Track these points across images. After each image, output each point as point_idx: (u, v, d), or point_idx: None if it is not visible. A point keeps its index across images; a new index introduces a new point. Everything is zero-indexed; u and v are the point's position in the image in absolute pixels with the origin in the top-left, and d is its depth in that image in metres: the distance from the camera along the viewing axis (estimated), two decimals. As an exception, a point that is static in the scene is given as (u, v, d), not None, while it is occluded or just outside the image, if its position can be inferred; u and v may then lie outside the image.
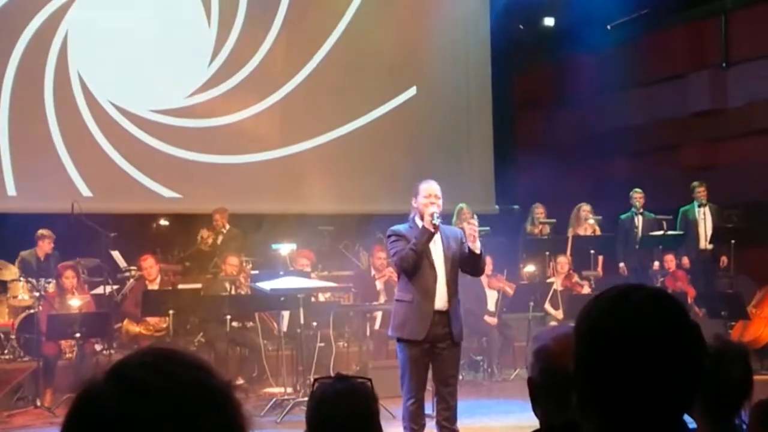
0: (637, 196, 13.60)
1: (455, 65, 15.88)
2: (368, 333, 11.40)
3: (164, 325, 10.87)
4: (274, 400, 9.72)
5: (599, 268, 13.27)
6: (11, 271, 11.51)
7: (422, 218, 6.70)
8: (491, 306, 12.15)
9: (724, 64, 15.36)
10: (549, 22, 17.21)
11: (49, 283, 11.16)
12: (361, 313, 11.40)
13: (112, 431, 1.18)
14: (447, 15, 15.70)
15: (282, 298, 9.97)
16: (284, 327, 10.78)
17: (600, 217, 13.60)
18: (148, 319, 11.01)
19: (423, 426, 6.71)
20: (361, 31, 15.14)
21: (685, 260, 13.35)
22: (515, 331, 12.02)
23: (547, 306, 12.19)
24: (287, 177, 14.42)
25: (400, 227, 6.81)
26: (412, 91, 15.51)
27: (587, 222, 13.41)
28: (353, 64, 15.05)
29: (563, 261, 12.61)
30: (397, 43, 15.36)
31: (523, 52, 17.07)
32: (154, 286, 11.31)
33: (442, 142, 15.63)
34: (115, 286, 11.90)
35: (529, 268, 13.04)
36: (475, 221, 6.77)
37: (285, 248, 12.15)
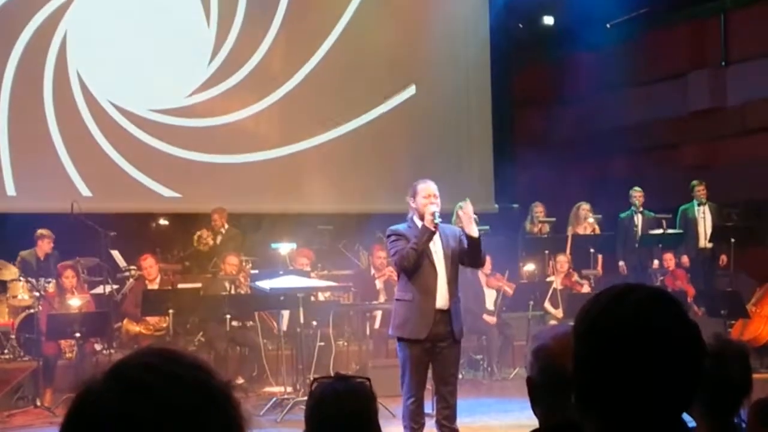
0: (637, 194, 13.59)
1: (455, 64, 15.88)
2: (368, 332, 11.40)
3: (164, 325, 10.87)
4: (274, 399, 9.72)
5: (599, 267, 13.28)
6: (11, 271, 11.50)
7: (421, 218, 6.70)
8: (490, 305, 12.15)
9: (723, 63, 15.37)
10: (548, 20, 17.22)
11: (48, 282, 11.16)
12: (361, 313, 11.40)
13: (112, 431, 1.18)
14: (446, 14, 15.71)
15: (282, 298, 9.97)
16: (284, 326, 10.78)
17: (599, 216, 13.60)
18: (148, 318, 11.01)
19: (423, 425, 6.72)
20: (361, 30, 15.14)
21: (685, 259, 13.35)
22: (515, 330, 12.02)
23: (547, 305, 12.19)
24: (287, 176, 14.42)
25: (400, 227, 6.82)
26: (411, 90, 15.51)
27: (587, 221, 13.41)
28: (352, 63, 15.04)
29: (563, 260, 12.61)
30: (396, 42, 15.35)
31: (523, 51, 17.06)
32: (153, 286, 11.31)
33: (441, 140, 15.63)
34: (114, 286, 11.90)
35: (529, 267, 13.05)
36: (468, 207, 6.74)
37: (284, 247, 12.15)
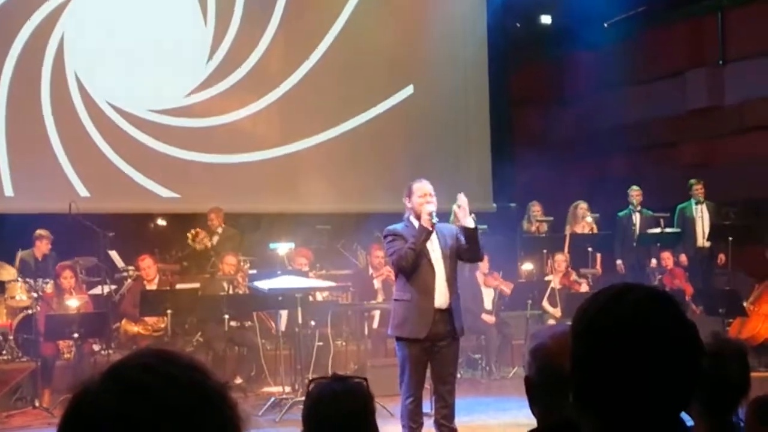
0: (635, 193, 13.60)
1: (452, 63, 15.87)
2: (366, 332, 11.41)
3: (162, 325, 10.87)
4: (272, 399, 9.72)
5: (598, 266, 13.29)
6: (9, 272, 11.50)
7: (417, 217, 6.71)
8: (488, 304, 12.16)
9: (720, 62, 15.37)
10: (546, 19, 17.21)
11: (46, 283, 11.16)
12: (359, 312, 11.40)
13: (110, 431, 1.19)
14: (444, 13, 15.70)
15: (280, 298, 9.97)
16: (282, 326, 10.78)
17: (597, 215, 13.62)
18: (146, 319, 11.01)
19: (421, 424, 6.72)
20: (358, 30, 15.13)
21: (683, 258, 13.35)
22: (513, 329, 12.03)
23: (545, 304, 12.20)
24: (285, 176, 14.42)
25: (396, 227, 6.82)
26: (409, 90, 15.50)
27: (584, 220, 13.42)
28: (350, 63, 15.04)
29: (561, 259, 12.61)
30: (394, 41, 15.35)
31: (520, 50, 17.06)
32: (152, 286, 11.31)
33: (439, 140, 15.63)
34: (113, 286, 11.90)
35: (527, 266, 13.07)
36: (463, 199, 6.73)
37: (283, 247, 12.15)
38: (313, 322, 10.66)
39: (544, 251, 13.18)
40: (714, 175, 14.06)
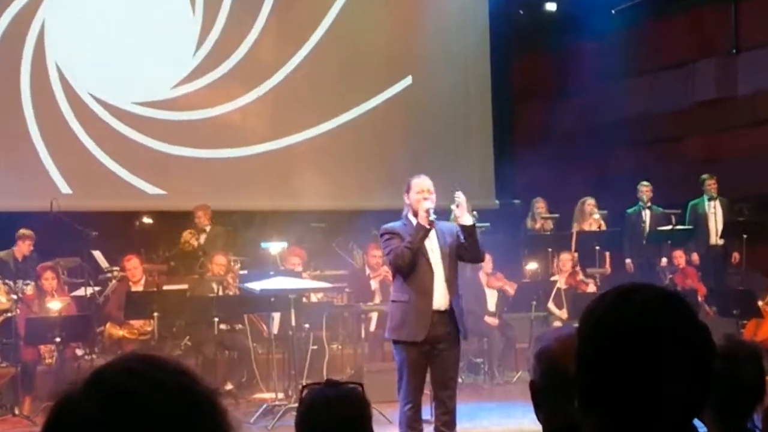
0: (645, 189, 13.60)
1: (452, 53, 15.87)
2: (363, 335, 11.40)
3: (149, 329, 10.85)
4: (264, 405, 9.72)
5: (607, 265, 13.30)
6: (-14, 273, 11.48)
7: (416, 214, 6.70)
8: (491, 306, 12.16)
9: (734, 50, 15.35)
10: (551, 7, 17.18)
11: (27, 284, 11.13)
12: (356, 314, 11.40)
13: (93, 440, 1.18)
14: (443, 1, 15.70)
15: (272, 299, 9.96)
16: (275, 329, 10.78)
17: (605, 212, 13.61)
18: (132, 322, 10.99)
19: (421, 431, 6.72)
20: (354, 19, 15.13)
21: (695, 256, 13.35)
22: (517, 331, 12.03)
23: (551, 305, 12.20)
24: (277, 172, 14.41)
25: (394, 225, 6.82)
26: (407, 81, 15.50)
27: (592, 217, 13.42)
28: (345, 53, 15.03)
29: (567, 258, 12.61)
30: (391, 30, 15.35)
31: (523, 39, 17.06)
32: (137, 288, 11.30)
33: (438, 133, 15.62)
34: (96, 288, 11.88)
35: (532, 266, 13.06)
36: (461, 196, 6.72)
37: (275, 247, 12.14)
38: (307, 325, 10.65)
39: (549, 250, 13.19)
40: (724, 170, 14.05)
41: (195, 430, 1.22)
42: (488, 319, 11.93)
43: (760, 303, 11.48)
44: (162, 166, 13.89)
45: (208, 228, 12.78)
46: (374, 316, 11.51)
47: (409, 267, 6.64)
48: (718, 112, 15.28)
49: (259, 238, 12.67)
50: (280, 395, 9.98)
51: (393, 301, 6.86)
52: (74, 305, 11.01)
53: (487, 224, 12.98)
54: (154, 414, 1.20)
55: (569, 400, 1.76)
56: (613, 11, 16.02)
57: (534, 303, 11.84)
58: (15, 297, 10.65)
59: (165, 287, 11.49)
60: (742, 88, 15.16)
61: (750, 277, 12.96)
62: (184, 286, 11.54)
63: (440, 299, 6.68)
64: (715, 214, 13.45)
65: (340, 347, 11.52)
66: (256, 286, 9.78)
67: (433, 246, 6.72)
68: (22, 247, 11.59)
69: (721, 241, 13.43)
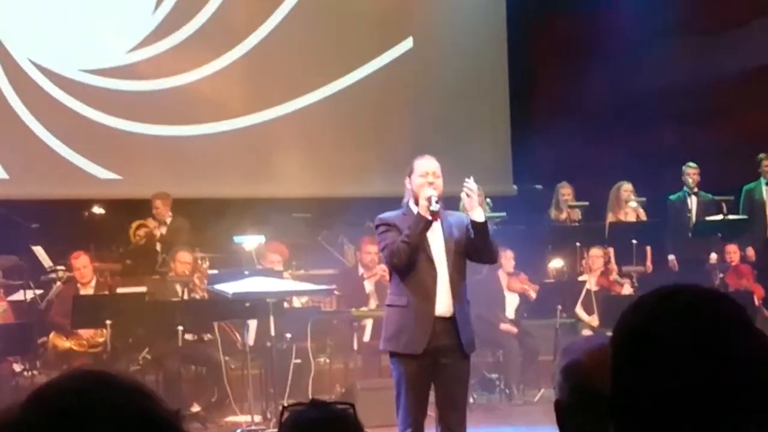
0: (691, 171, 13.62)
1: (461, 11, 15.85)
2: (355, 346, 11.40)
3: (100, 339, 10.88)
4: (238, 431, 9.72)
5: (648, 262, 13.31)
6: None
7: (418, 203, 6.69)
8: (510, 312, 12.14)
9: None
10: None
11: (-46, 288, 11.15)
12: (347, 322, 11.41)
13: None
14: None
15: (247, 304, 9.98)
16: (250, 340, 10.78)
17: (644, 199, 13.61)
18: (80, 331, 11.01)
19: (423, 461, 6.74)
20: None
21: (750, 251, 13.37)
22: (539, 341, 12.03)
23: (579, 310, 12.21)
24: (253, 152, 14.42)
25: (391, 214, 6.82)
26: (407, 44, 15.49)
27: (628, 205, 13.43)
28: (333, 11, 15.04)
29: (598, 254, 12.61)
30: (388, -17, 15.37)
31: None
32: (87, 291, 11.32)
33: (445, 106, 15.61)
34: (38, 291, 11.89)
35: (556, 263, 13.07)
36: (473, 185, 6.71)
37: (250, 241, 12.13)
38: (288, 335, 10.67)
39: (577, 244, 13.19)
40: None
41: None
42: (504, 326, 11.91)
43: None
44: (116, 145, 13.88)
45: (168, 220, 12.77)
46: (369, 323, 11.52)
47: (407, 265, 6.62)
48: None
49: (231, 231, 12.65)
50: (257, 418, 10.00)
51: (389, 305, 6.86)
52: (11, 312, 11.02)
53: (503, 214, 12.98)
54: (104, 441, 1.20)
55: (601, 424, 1.76)
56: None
57: (559, 308, 11.85)
58: (-60, 302, 10.66)
59: (119, 290, 11.52)
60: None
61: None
62: (143, 289, 11.56)
63: (444, 304, 6.68)
64: (774, 202, 13.49)
65: (327, 361, 11.54)
66: (227, 288, 9.78)
67: (436, 240, 6.70)
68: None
69: (781, 234, 13.47)
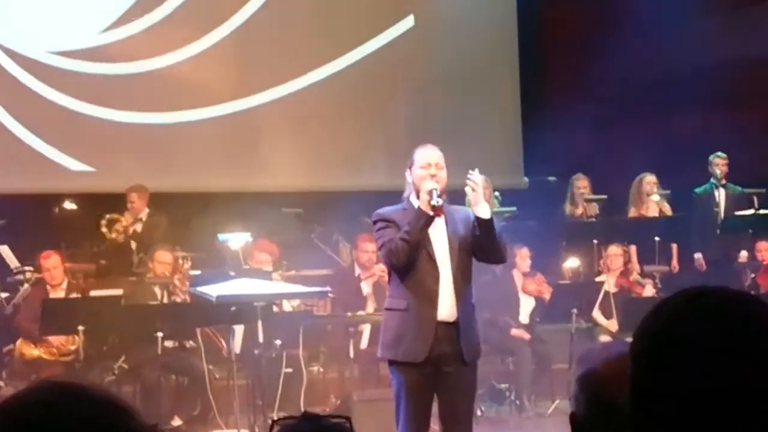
0: (719, 162, 13.62)
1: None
2: (352, 354, 11.41)
3: (72, 347, 10.88)
4: (223, 446, 9.75)
5: (674, 261, 13.31)
6: None
7: (419, 196, 6.68)
8: (524, 317, 12.12)
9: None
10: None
11: None
12: (342, 327, 11.42)
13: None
14: None
15: (233, 308, 9.97)
16: (237, 347, 10.79)
17: (668, 192, 13.61)
18: (50, 338, 11.01)
19: (426, 479, 6.75)
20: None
21: (784, 249, 13.39)
22: (553, 348, 12.03)
23: (596, 314, 12.22)
24: (239, 142, 14.42)
25: (390, 209, 6.82)
26: (408, 22, 15.49)
27: (651, 198, 13.43)
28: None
29: (617, 252, 12.62)
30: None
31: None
32: (57, 293, 11.32)
33: (450, 92, 15.61)
34: (4, 294, 11.89)
35: (572, 263, 13.07)
36: (478, 178, 6.70)
37: (236, 239, 12.13)
38: (278, 342, 10.68)
39: (595, 242, 13.19)
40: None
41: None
42: (516, 332, 11.91)
43: None
44: (88, 134, 13.88)
45: (144, 216, 12.76)
46: (366, 329, 11.53)
47: (407, 265, 6.62)
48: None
49: (215, 228, 12.66)
50: (244, 432, 10.01)
51: (387, 309, 6.87)
52: (-26, 317, 11.03)
53: (513, 209, 12.97)
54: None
55: (620, 437, 1.77)
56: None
57: (575, 311, 11.84)
58: None
59: (93, 293, 11.50)
60: None
61: None
62: (119, 292, 11.55)
63: (447, 307, 6.68)
64: (810, 195, 13.50)
65: (321, 370, 11.55)
66: (211, 290, 9.77)
67: (439, 238, 6.70)
68: None
69: (819, 230, 13.47)
